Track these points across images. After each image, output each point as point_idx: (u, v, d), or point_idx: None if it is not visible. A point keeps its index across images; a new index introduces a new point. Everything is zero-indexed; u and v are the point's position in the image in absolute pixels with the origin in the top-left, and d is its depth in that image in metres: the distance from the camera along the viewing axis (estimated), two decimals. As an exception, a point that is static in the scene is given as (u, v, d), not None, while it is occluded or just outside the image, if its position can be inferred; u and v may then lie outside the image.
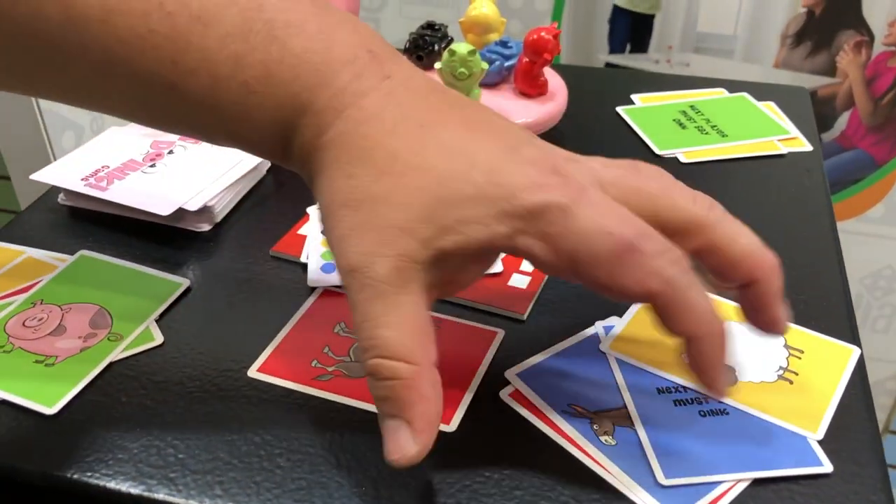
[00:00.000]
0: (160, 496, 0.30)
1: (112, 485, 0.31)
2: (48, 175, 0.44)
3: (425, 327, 0.29)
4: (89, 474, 0.31)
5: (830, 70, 0.99)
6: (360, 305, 0.28)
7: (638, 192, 0.29)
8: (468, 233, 0.28)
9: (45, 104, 0.74)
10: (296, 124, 0.29)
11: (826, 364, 0.36)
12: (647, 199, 0.29)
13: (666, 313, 0.28)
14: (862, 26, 0.96)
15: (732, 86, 0.58)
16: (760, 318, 0.31)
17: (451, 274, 0.30)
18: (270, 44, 0.28)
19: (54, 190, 0.46)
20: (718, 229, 0.30)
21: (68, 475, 0.31)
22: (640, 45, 1.04)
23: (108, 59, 0.28)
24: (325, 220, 0.29)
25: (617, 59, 1.04)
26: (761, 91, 0.57)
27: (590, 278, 0.28)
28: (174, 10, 0.28)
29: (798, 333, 0.37)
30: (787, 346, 0.37)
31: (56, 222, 0.45)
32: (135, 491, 0.31)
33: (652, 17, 1.01)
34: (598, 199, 0.28)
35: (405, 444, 0.28)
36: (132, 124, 0.49)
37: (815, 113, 1.00)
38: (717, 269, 0.30)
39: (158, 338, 0.37)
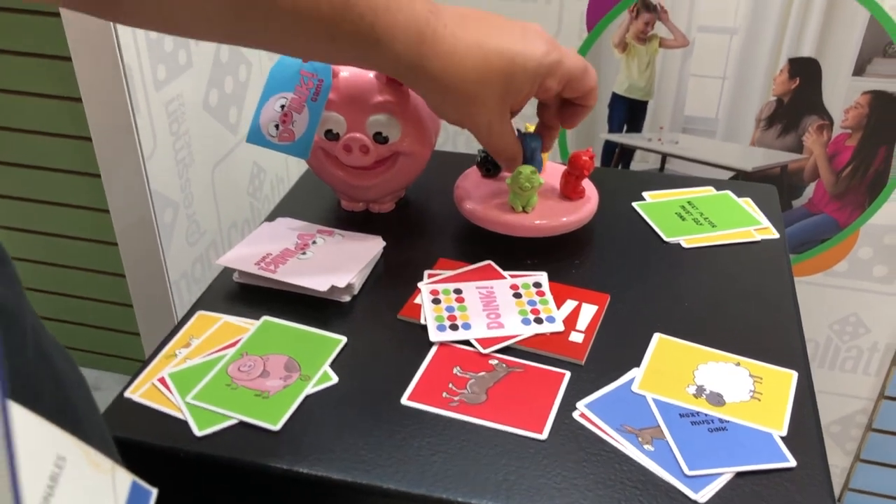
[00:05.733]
0: (363, 481, 0.49)
1: (333, 475, 0.49)
2: (230, 260, 0.63)
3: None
4: (315, 468, 0.49)
5: (798, 147, 1.20)
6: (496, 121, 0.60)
7: None
8: (526, 88, 0.59)
9: (155, 185, 0.92)
10: (412, 32, 0.53)
11: (778, 385, 0.55)
12: None
13: (591, 94, 0.62)
14: (823, 112, 1.16)
15: (718, 184, 0.78)
16: (576, 119, 0.65)
17: (519, 103, 0.61)
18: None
19: (227, 271, 0.65)
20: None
21: (300, 469, 0.49)
22: (636, 126, 1.24)
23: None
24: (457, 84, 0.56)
25: (615, 137, 1.25)
26: (740, 189, 0.77)
27: (576, 88, 0.61)
28: None
29: (757, 366, 0.57)
30: (751, 376, 0.56)
31: (235, 296, 0.63)
32: (346, 478, 0.49)
33: (646, 102, 1.21)
34: (567, 50, 0.60)
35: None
36: (279, 220, 0.68)
37: (787, 183, 1.21)
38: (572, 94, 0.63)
39: (335, 378, 0.55)
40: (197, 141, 0.96)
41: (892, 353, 1.30)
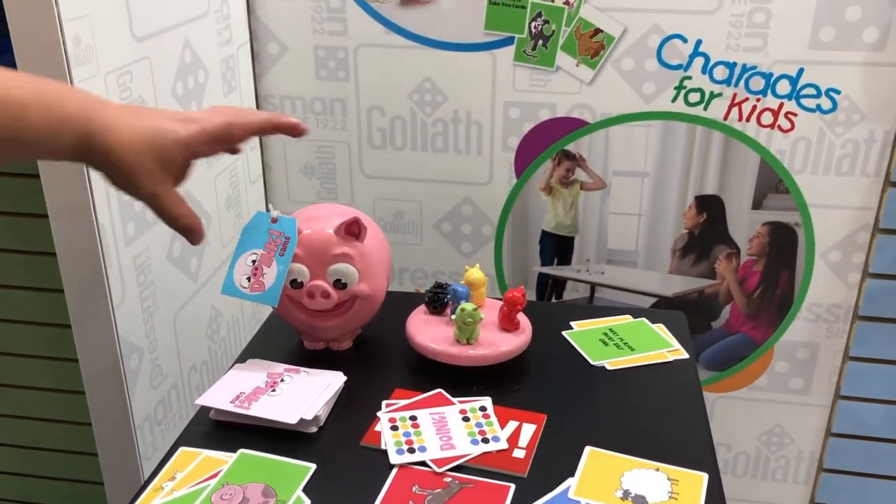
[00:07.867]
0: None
1: (311, 584, 0.56)
2: (208, 400, 0.71)
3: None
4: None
5: (711, 274, 1.34)
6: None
7: None
8: (178, 157, 0.65)
9: (123, 333, 0.99)
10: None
11: (692, 486, 0.65)
12: None
13: (250, 129, 0.68)
14: (730, 242, 1.31)
15: (635, 313, 0.90)
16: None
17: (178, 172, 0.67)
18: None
19: (203, 410, 0.73)
20: None
21: (281, 582, 0.56)
22: (565, 259, 1.37)
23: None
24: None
25: (548, 269, 1.38)
26: (654, 316, 0.90)
27: (233, 139, 0.68)
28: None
29: (673, 470, 0.67)
30: (669, 479, 0.66)
31: (212, 432, 0.71)
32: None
33: (572, 238, 1.35)
34: (209, 115, 0.67)
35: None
36: (249, 361, 0.77)
37: (705, 306, 1.35)
38: None
39: (307, 502, 0.63)
40: (161, 289, 1.05)
41: (816, 461, 1.41)
